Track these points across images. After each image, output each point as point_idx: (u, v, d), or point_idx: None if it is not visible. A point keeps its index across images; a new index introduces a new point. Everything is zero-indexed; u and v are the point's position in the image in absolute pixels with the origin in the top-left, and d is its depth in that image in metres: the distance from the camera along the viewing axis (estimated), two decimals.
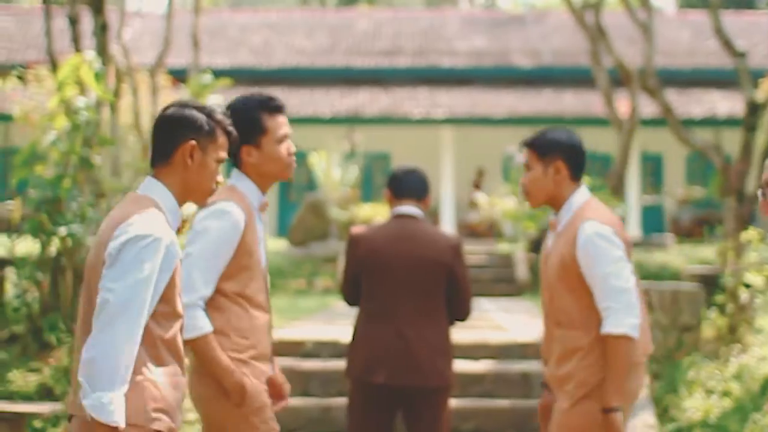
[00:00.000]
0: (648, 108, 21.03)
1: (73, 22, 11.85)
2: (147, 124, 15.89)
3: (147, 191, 3.41)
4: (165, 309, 3.30)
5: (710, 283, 9.35)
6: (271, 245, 17.72)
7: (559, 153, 4.39)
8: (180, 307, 3.38)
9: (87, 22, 13.03)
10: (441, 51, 25.97)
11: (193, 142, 3.39)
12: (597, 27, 17.99)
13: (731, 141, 16.89)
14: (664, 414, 7.51)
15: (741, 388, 7.63)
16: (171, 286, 3.29)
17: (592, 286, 4.24)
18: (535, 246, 16.13)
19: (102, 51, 11.74)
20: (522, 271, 15.80)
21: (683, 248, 17.49)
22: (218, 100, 9.27)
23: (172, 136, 3.41)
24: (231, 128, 3.52)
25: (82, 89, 9.41)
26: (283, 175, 4.26)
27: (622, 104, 19.69)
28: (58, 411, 7.23)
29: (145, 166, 12.56)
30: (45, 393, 7.56)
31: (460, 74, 24.93)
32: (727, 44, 13.64)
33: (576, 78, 24.42)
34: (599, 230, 4.25)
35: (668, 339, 8.41)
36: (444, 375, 5.27)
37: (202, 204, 3.54)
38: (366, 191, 23.56)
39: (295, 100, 23.43)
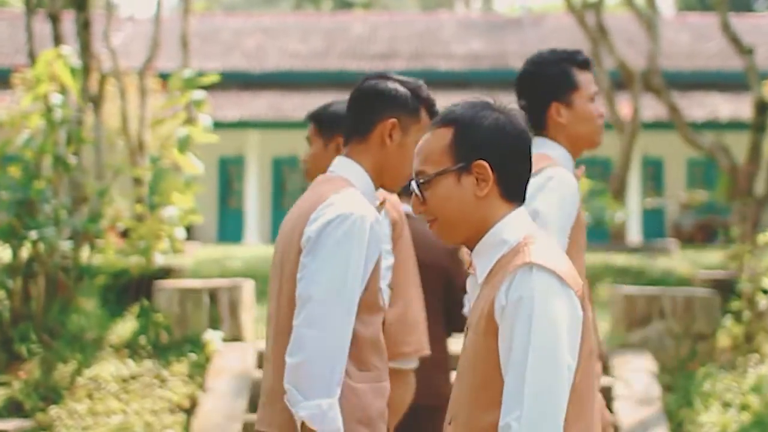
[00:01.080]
0: (649, 111, 20.60)
1: (54, 19, 11.41)
2: (135, 128, 15.43)
3: (339, 171, 3.03)
4: (368, 300, 2.87)
5: (725, 288, 8.84)
6: (264, 251, 17.23)
7: (341, 129, 3.82)
8: (381, 300, 2.95)
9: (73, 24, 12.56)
10: (437, 54, 25.56)
11: (395, 119, 3.00)
12: (598, 27, 17.53)
13: (733, 144, 16.44)
14: (678, 429, 7.04)
15: (760, 401, 7.17)
16: (375, 272, 2.88)
17: None
18: None
19: (85, 49, 11.30)
20: None
21: (687, 253, 17.02)
22: (203, 95, 8.78)
23: (372, 111, 3.02)
24: (437, 109, 3.11)
25: (63, 88, 8.96)
26: (593, 140, 3.68)
27: (624, 106, 19.24)
28: (26, 427, 6.76)
29: (127, 169, 12.11)
30: (14, 408, 7.09)
31: (456, 77, 24.48)
32: (734, 41, 13.16)
33: None
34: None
35: (681, 348, 7.94)
36: (439, 393, 4.65)
37: (394, 190, 3.09)
38: None
39: (289, 104, 23.00)
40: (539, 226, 3.34)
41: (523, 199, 2.42)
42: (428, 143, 2.41)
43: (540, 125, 3.67)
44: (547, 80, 3.60)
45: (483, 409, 2.27)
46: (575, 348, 2.25)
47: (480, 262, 2.38)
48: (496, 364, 2.25)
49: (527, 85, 3.71)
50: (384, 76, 3.10)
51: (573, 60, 3.65)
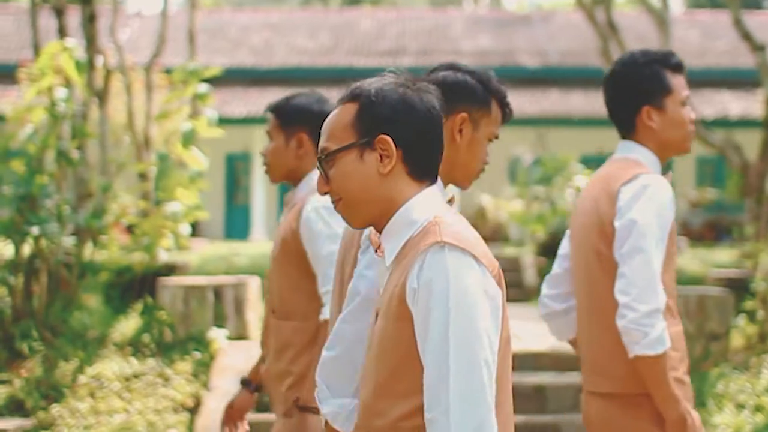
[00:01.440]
0: None
1: (59, 13, 11.32)
2: (141, 123, 15.35)
3: None
4: None
5: (738, 287, 8.70)
6: (270, 248, 17.14)
7: (303, 124, 3.76)
8: None
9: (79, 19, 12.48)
10: (446, 51, 25.43)
11: (465, 114, 2.79)
12: (608, 24, 17.38)
13: (743, 142, 16.29)
14: None
15: None
16: None
17: (315, 267, 3.69)
18: (545, 250, 15.51)
19: (90, 42, 11.21)
20: (531, 276, 15.20)
21: (697, 252, 16.89)
22: (207, 89, 8.67)
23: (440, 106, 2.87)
24: (508, 101, 2.91)
25: (68, 82, 8.86)
26: (684, 146, 3.52)
27: None
28: (27, 426, 6.65)
29: (131, 164, 12.03)
30: (15, 407, 6.97)
31: None
32: (746, 37, 13.02)
33: (583, 78, 23.88)
34: (323, 205, 3.65)
35: (694, 348, 7.80)
36: None
37: (465, 187, 2.92)
38: None
39: None
40: (636, 238, 3.20)
41: (435, 179, 2.29)
42: (333, 119, 2.28)
43: (629, 128, 3.51)
44: (639, 82, 3.45)
45: (394, 399, 2.15)
46: (498, 327, 2.13)
47: (388, 243, 2.25)
48: (408, 351, 2.12)
49: (617, 87, 3.54)
50: (453, 66, 2.89)
51: (666, 62, 3.49)
